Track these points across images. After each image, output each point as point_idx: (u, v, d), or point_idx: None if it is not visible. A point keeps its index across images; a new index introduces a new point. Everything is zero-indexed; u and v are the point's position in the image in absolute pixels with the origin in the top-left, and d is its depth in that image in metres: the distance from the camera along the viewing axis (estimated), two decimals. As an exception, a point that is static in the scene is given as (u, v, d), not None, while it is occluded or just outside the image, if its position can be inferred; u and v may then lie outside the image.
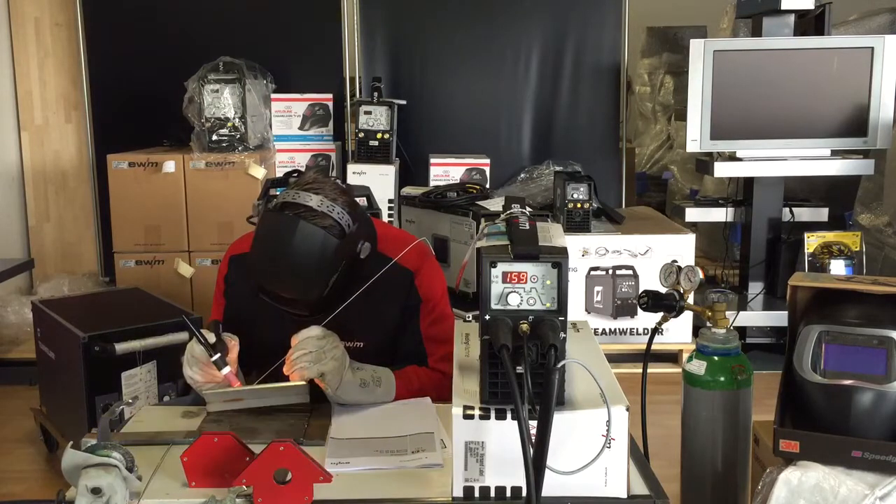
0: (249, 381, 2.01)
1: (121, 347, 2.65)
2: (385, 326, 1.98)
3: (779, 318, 3.99)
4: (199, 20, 4.67)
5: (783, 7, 4.00)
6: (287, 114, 4.47)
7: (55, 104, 4.84)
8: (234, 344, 1.83)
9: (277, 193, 2.16)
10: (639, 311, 3.46)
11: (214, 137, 4.17)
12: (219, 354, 1.78)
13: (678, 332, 3.85)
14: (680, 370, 2.05)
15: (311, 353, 1.73)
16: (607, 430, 1.33)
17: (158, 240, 4.15)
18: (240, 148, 4.16)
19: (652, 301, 2.05)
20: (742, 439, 1.95)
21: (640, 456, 1.55)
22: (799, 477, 1.60)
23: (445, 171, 4.36)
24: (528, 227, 1.41)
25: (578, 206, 3.90)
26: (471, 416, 1.35)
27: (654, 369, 3.39)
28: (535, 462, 1.23)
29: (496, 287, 1.34)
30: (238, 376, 1.85)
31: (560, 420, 1.29)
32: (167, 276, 4.09)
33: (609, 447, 1.33)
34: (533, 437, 1.25)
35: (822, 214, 4.29)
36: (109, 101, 4.72)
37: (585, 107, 4.82)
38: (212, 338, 1.80)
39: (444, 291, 2.07)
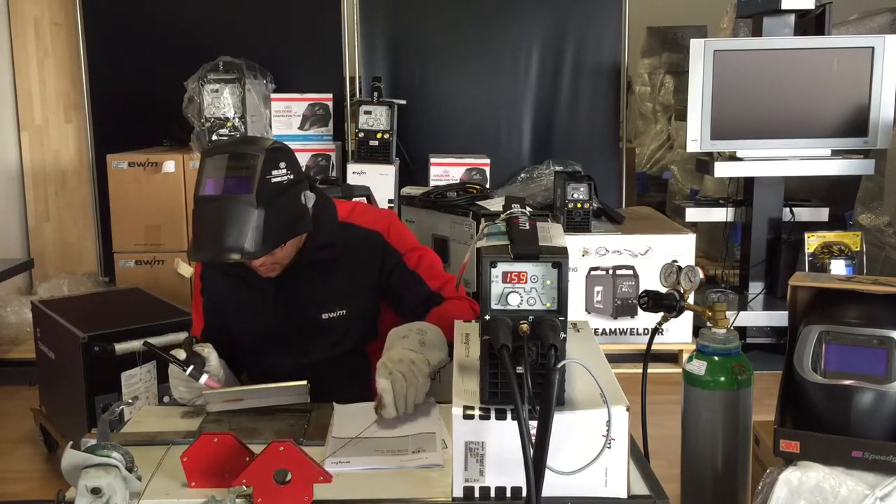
0: (242, 382, 2.01)
1: (121, 347, 2.65)
2: (363, 290, 2.02)
3: (779, 318, 3.99)
4: (199, 20, 4.67)
5: (783, 7, 4.00)
6: (287, 114, 4.47)
7: (55, 104, 4.84)
8: (208, 351, 1.85)
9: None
10: (639, 311, 3.46)
11: (214, 137, 4.17)
12: (191, 367, 1.79)
13: (678, 332, 3.85)
14: (680, 370, 2.05)
15: (415, 388, 1.66)
16: (607, 430, 1.33)
17: (158, 240, 4.16)
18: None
19: (652, 301, 2.05)
20: (742, 439, 1.95)
21: (640, 456, 1.55)
22: (799, 477, 1.59)
23: (445, 171, 4.36)
24: (528, 227, 1.41)
25: (578, 206, 3.90)
26: (471, 417, 1.34)
27: (654, 369, 3.39)
28: (535, 462, 1.23)
29: (496, 287, 1.33)
30: (221, 379, 1.86)
31: (560, 420, 1.29)
32: (167, 276, 4.09)
33: (609, 447, 1.33)
34: (533, 437, 1.25)
35: (823, 214, 4.29)
36: (109, 101, 4.72)
37: (585, 107, 4.82)
38: (182, 354, 1.81)
39: (417, 241, 2.11)
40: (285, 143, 1.94)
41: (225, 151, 1.84)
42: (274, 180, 1.79)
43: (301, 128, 4.49)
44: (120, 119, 4.68)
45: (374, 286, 2.03)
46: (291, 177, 1.84)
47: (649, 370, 2.10)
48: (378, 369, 1.68)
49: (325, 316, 1.99)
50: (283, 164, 1.82)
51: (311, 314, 1.99)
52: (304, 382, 1.74)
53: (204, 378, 1.79)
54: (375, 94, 4.32)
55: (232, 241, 1.74)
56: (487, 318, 1.33)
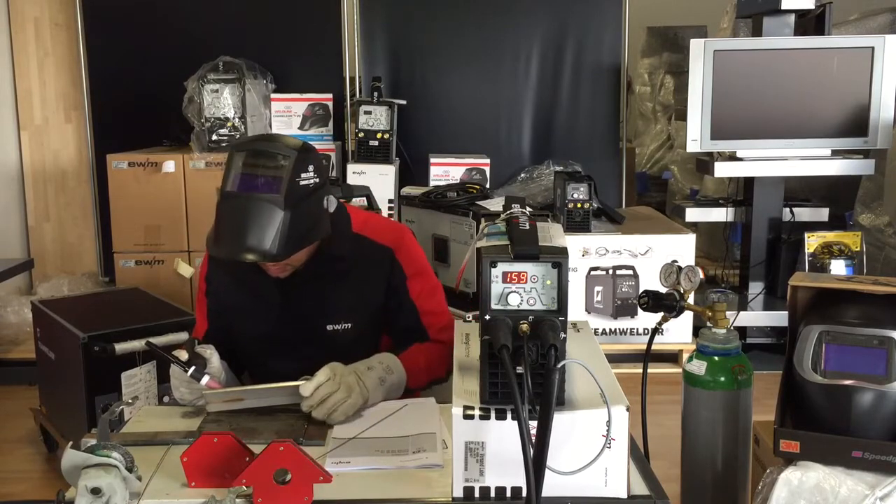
0: (242, 383, 2.01)
1: (121, 347, 2.65)
2: (370, 306, 2.00)
3: (779, 318, 4.00)
4: (199, 20, 4.67)
5: (783, 7, 4.00)
6: (287, 114, 4.47)
7: (55, 104, 4.84)
8: (210, 353, 1.84)
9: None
10: (639, 311, 3.46)
11: (214, 137, 4.18)
12: (193, 367, 1.78)
13: (678, 332, 3.85)
14: (680, 370, 2.05)
15: (343, 399, 1.71)
16: (607, 430, 1.33)
17: (158, 240, 4.16)
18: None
19: (652, 301, 2.05)
20: (742, 439, 1.95)
21: (640, 456, 1.55)
22: (799, 477, 1.59)
23: (445, 171, 4.36)
24: (528, 227, 1.41)
25: (578, 206, 3.90)
26: (471, 417, 1.34)
27: (654, 369, 3.39)
28: (535, 462, 1.23)
29: (496, 287, 1.33)
30: (223, 380, 1.86)
31: (560, 420, 1.29)
32: (167, 276, 4.10)
33: (609, 447, 1.33)
34: (533, 437, 1.25)
35: (823, 214, 4.29)
36: (109, 101, 4.72)
37: (585, 107, 4.82)
38: (184, 355, 1.80)
39: (427, 264, 2.09)
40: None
41: (255, 148, 1.81)
42: (302, 183, 1.77)
43: (301, 128, 4.49)
44: (120, 119, 4.68)
45: (380, 302, 2.01)
46: (318, 180, 1.81)
47: (649, 370, 2.10)
48: (327, 366, 1.73)
49: (329, 328, 1.97)
50: (311, 168, 1.80)
51: (316, 324, 1.97)
52: (304, 382, 1.73)
53: (205, 379, 1.79)
54: (375, 94, 4.31)
55: (254, 241, 1.73)
56: (487, 318, 1.33)
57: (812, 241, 4.03)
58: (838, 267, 3.98)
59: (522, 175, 4.73)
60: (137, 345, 2.66)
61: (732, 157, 4.08)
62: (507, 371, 1.27)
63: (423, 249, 2.84)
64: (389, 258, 2.00)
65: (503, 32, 4.75)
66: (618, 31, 4.77)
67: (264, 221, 1.73)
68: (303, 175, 1.78)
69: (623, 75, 4.84)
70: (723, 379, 1.92)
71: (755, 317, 4.10)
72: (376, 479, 1.47)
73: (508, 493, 1.36)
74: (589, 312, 3.93)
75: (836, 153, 4.06)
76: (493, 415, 1.34)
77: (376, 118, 4.28)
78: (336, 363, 1.76)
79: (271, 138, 1.92)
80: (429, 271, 2.08)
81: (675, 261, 2.11)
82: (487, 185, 4.22)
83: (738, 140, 4.04)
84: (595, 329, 3.83)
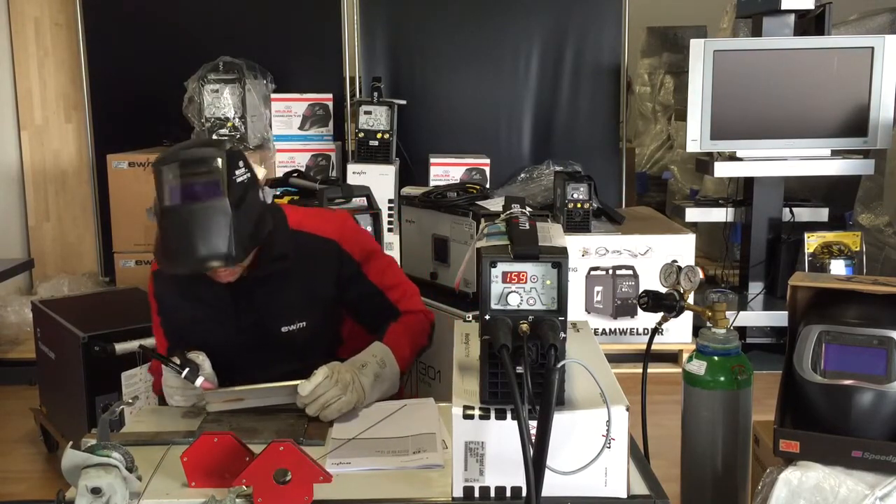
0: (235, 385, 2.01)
1: (121, 347, 2.65)
2: (322, 302, 1.98)
3: (779, 318, 3.99)
4: (199, 20, 4.67)
5: (783, 7, 4.00)
6: (287, 114, 4.47)
7: (55, 104, 4.84)
8: (202, 359, 1.83)
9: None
10: (639, 311, 3.46)
11: (214, 137, 4.17)
12: (187, 369, 1.78)
13: (678, 332, 3.84)
14: (680, 370, 2.05)
15: (338, 397, 1.71)
16: (607, 430, 1.33)
17: (158, 240, 4.15)
18: (240, 148, 4.17)
19: (652, 301, 2.05)
20: (742, 439, 1.96)
21: (640, 456, 1.55)
22: (799, 477, 1.60)
23: (445, 171, 4.36)
24: (528, 227, 1.41)
25: (578, 206, 3.90)
26: (471, 416, 1.35)
27: (654, 369, 3.38)
28: (535, 462, 1.23)
29: (496, 287, 1.34)
30: (216, 384, 1.85)
31: (560, 420, 1.29)
32: (167, 276, 4.09)
33: (609, 447, 1.33)
34: (533, 437, 1.25)
35: (822, 214, 4.29)
36: (109, 101, 4.73)
37: (585, 107, 4.82)
38: (176, 361, 1.80)
39: (374, 243, 2.09)
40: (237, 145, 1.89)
41: (182, 158, 1.73)
42: (238, 180, 1.74)
43: (301, 128, 4.49)
44: (120, 119, 4.68)
45: (332, 296, 1.99)
46: (249, 175, 1.79)
47: (649, 370, 2.11)
48: (325, 365, 1.72)
49: (284, 329, 1.94)
50: (241, 163, 1.77)
51: (269, 328, 1.94)
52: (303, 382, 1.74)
53: (199, 380, 1.79)
54: (375, 94, 4.32)
55: (212, 248, 1.69)
56: (487, 318, 1.33)
57: (812, 241, 4.03)
58: (838, 267, 3.98)
59: (522, 175, 4.74)
60: (137, 345, 2.66)
61: (732, 157, 4.08)
62: (507, 371, 1.27)
63: (424, 249, 2.85)
64: (336, 251, 1.97)
65: (503, 32, 4.75)
66: (618, 31, 4.77)
67: (216, 226, 1.69)
68: (237, 172, 1.75)
69: (623, 75, 4.84)
70: (723, 379, 1.92)
71: (755, 317, 4.10)
72: (376, 478, 1.47)
73: (508, 493, 1.36)
74: (589, 312, 3.93)
75: (835, 153, 4.06)
76: (492, 415, 1.34)
77: (376, 118, 4.28)
78: (335, 362, 1.76)
79: (192, 144, 1.85)
80: (377, 250, 2.08)
81: (674, 261, 2.11)
82: (487, 185, 4.22)
83: (738, 140, 4.04)
84: (595, 329, 3.83)
